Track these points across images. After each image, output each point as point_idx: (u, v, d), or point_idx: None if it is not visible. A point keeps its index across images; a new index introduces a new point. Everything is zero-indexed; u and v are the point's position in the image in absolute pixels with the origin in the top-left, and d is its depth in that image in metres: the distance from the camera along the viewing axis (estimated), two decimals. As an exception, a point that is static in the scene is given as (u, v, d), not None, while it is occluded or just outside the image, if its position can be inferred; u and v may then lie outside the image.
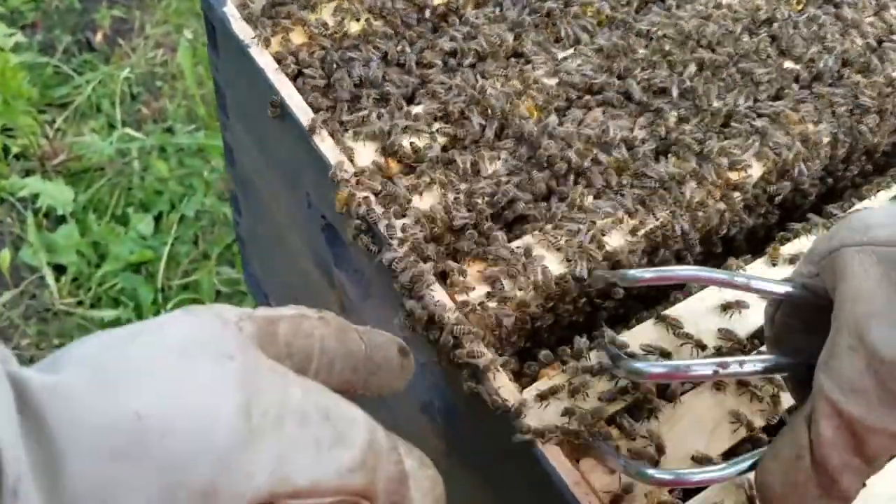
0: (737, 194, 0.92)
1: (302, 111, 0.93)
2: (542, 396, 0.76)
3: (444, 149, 0.94)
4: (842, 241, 0.56)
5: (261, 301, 1.46)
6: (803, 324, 0.64)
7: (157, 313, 1.96)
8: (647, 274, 0.71)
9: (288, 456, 0.47)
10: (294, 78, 0.97)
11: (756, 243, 0.99)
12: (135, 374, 0.45)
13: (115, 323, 1.93)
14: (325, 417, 0.50)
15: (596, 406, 0.74)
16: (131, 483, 0.42)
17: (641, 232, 0.87)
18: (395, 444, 0.54)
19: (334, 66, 0.99)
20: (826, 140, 0.98)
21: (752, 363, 0.66)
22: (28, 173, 2.17)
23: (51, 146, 2.22)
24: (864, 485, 0.53)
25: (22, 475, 0.38)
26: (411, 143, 0.92)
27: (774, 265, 0.89)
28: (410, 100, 1.00)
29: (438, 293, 0.81)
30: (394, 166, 0.91)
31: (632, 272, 0.70)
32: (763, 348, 0.77)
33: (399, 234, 0.83)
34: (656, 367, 0.66)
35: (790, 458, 0.54)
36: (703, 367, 0.65)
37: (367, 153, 0.91)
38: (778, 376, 0.75)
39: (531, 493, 0.77)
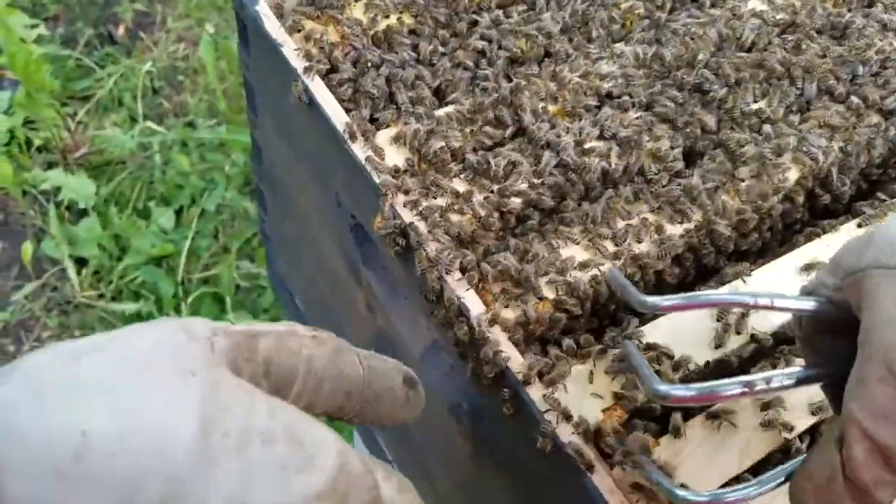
0: (774, 199, 0.91)
1: (335, 113, 0.93)
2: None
3: (475, 150, 0.94)
4: (869, 263, 0.55)
5: (285, 300, 1.46)
6: (831, 334, 0.63)
7: (177, 307, 1.97)
8: (665, 302, 0.67)
9: (249, 480, 0.44)
10: (325, 76, 0.97)
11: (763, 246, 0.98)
12: (83, 389, 0.43)
13: (137, 316, 1.94)
14: (293, 439, 0.47)
15: (640, 437, 0.73)
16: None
17: (678, 234, 0.87)
18: (370, 468, 0.51)
19: (367, 66, 0.98)
20: (864, 143, 0.97)
21: (780, 378, 0.64)
22: (50, 166, 2.18)
23: (73, 139, 2.24)
24: None
25: None
26: (445, 146, 0.91)
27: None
28: (441, 100, 1.00)
29: (468, 297, 0.81)
30: (426, 169, 0.91)
31: (651, 300, 0.67)
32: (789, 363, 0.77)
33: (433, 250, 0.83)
34: (682, 390, 0.63)
35: (823, 477, 0.54)
36: (730, 387, 0.63)
37: (398, 156, 0.91)
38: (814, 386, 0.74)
39: (559, 494, 0.77)
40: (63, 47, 2.43)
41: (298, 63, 0.96)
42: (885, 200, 0.97)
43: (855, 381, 0.52)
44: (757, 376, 0.63)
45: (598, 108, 1.00)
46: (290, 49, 0.97)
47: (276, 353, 0.52)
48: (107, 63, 2.42)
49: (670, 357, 0.79)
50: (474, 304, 0.80)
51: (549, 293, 0.81)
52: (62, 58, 2.41)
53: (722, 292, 0.69)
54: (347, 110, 0.94)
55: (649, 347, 0.79)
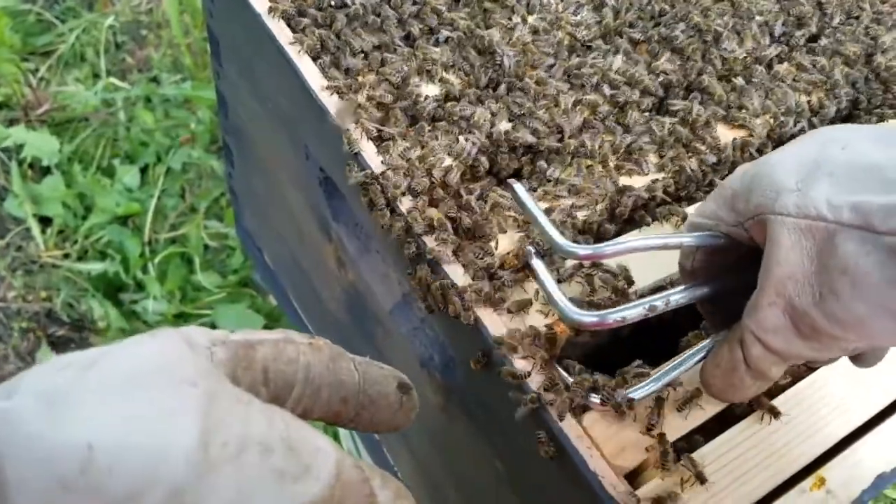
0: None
1: (301, 59, 0.91)
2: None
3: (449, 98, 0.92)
4: (759, 207, 0.63)
5: (254, 257, 1.44)
6: (717, 258, 0.72)
7: (144, 267, 1.94)
8: (582, 251, 0.71)
9: (247, 490, 0.45)
10: (291, 20, 0.94)
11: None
12: (89, 402, 0.44)
13: (103, 276, 1.91)
14: (290, 448, 0.48)
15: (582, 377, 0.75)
16: None
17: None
18: (367, 475, 0.52)
19: (333, 8, 0.96)
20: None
21: (678, 297, 0.70)
22: (12, 123, 2.12)
23: (34, 95, 2.18)
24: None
25: None
26: (419, 92, 0.89)
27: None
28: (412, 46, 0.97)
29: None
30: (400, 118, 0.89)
31: (568, 246, 0.71)
32: None
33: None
34: (589, 317, 0.68)
35: (729, 366, 0.67)
36: (633, 310, 0.68)
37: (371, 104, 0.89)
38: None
39: (528, 441, 0.77)
40: (23, 1, 2.35)
41: (261, 5, 0.93)
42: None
43: (752, 307, 0.64)
44: (656, 297, 0.69)
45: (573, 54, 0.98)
46: (254, -5, 0.94)
47: (274, 361, 0.53)
48: (68, 17, 2.35)
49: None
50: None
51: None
52: (22, 12, 2.33)
53: (635, 238, 0.73)
54: (315, 57, 0.92)
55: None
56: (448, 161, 0.85)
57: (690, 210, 0.88)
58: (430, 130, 0.87)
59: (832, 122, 1.01)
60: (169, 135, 2.12)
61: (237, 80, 1.11)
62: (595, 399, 0.73)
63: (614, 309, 0.68)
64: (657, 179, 0.90)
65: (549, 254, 0.81)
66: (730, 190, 0.67)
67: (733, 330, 0.67)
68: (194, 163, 2.07)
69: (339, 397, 0.56)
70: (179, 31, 2.24)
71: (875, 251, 0.57)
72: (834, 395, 0.79)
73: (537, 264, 0.76)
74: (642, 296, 0.80)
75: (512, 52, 0.95)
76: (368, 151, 0.85)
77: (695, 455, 0.73)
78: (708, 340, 0.72)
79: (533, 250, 0.79)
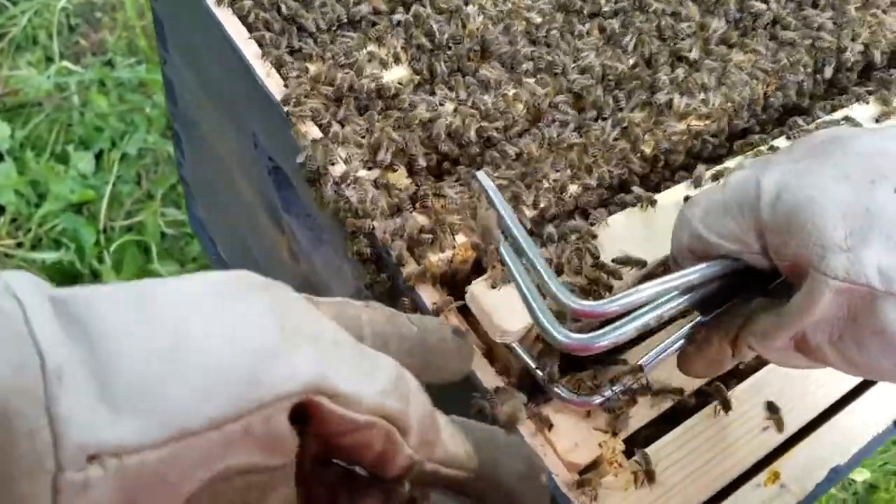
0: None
1: (247, 46, 0.88)
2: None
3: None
4: (800, 257, 0.58)
5: (207, 247, 1.40)
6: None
7: (99, 255, 1.89)
8: (577, 306, 0.62)
9: (328, 362, 0.45)
10: (235, 3, 0.90)
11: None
12: (172, 296, 0.44)
13: (57, 265, 1.86)
14: (357, 349, 0.49)
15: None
16: (176, 379, 0.41)
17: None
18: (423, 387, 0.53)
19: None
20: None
21: (672, 310, 0.65)
22: (-40, 108, 2.06)
23: (-16, 79, 2.12)
24: None
25: (64, 363, 0.37)
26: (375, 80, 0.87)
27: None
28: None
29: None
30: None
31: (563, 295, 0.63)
32: None
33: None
34: (571, 339, 0.62)
35: (715, 359, 0.67)
36: (624, 330, 0.63)
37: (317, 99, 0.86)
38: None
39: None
40: (-29, -19, 2.28)
41: (207, -7, 0.90)
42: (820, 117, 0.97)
43: (763, 335, 0.62)
44: (650, 314, 0.63)
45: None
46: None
47: (339, 317, 0.53)
48: (19, -1, 2.29)
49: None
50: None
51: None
52: (-29, -7, 2.26)
53: (641, 289, 0.64)
54: (261, 42, 0.89)
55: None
56: (391, 149, 0.83)
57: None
58: (379, 118, 0.85)
59: (783, 107, 1.00)
60: (124, 119, 2.07)
61: (183, 65, 1.07)
62: (565, 395, 0.71)
63: (603, 331, 0.62)
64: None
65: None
66: (757, 216, 0.61)
67: (724, 328, 0.66)
68: (150, 148, 2.03)
69: (405, 350, 0.57)
70: (134, 13, 2.19)
71: None
72: (787, 390, 0.78)
73: (506, 251, 0.67)
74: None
75: (467, 40, 0.92)
76: (314, 136, 0.82)
77: (649, 450, 0.72)
78: (687, 327, 0.69)
79: (501, 238, 0.70)
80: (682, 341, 0.70)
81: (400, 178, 0.82)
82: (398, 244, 0.76)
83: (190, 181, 1.35)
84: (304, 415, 0.45)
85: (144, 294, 0.43)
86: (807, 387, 0.79)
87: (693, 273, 0.64)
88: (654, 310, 0.63)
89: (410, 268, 0.76)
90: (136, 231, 1.94)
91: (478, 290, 0.73)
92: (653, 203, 0.82)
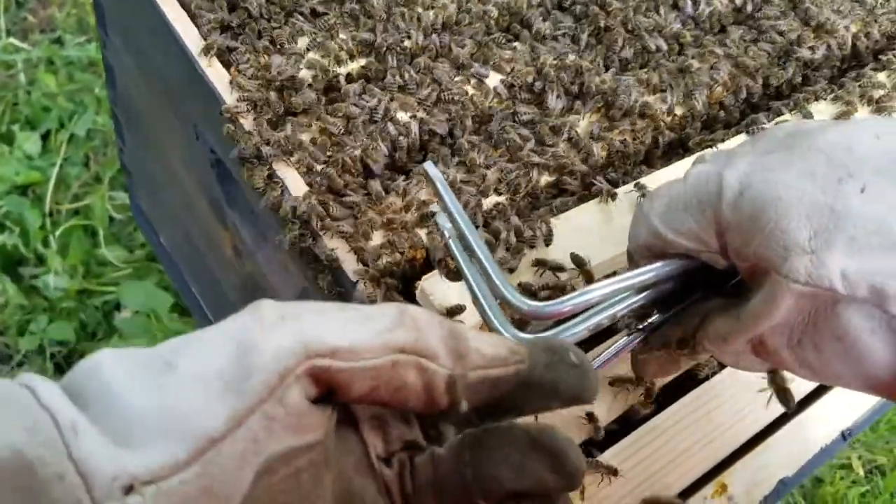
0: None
1: (188, 33, 0.84)
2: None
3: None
4: (762, 259, 0.56)
5: (150, 238, 1.36)
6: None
7: (45, 239, 1.83)
8: (526, 307, 0.59)
9: (313, 327, 0.45)
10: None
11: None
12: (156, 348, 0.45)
13: (1, 248, 1.80)
14: (343, 307, 0.48)
15: None
16: (179, 400, 0.41)
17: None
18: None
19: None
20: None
21: (624, 311, 0.62)
22: None
23: (-75, 55, 2.04)
24: None
25: (76, 418, 0.38)
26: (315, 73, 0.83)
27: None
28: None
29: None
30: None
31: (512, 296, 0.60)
32: None
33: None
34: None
35: (668, 362, 0.67)
36: (577, 329, 0.60)
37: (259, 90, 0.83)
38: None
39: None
40: (-88, -49, 2.19)
41: (148, -23, 0.86)
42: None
43: (719, 337, 0.60)
44: (602, 314, 0.61)
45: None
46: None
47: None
48: (-36, -29, 2.20)
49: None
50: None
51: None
52: (-88, -36, 2.17)
53: (594, 288, 0.61)
54: (202, 32, 0.85)
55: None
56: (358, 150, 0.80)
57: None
58: (325, 112, 0.82)
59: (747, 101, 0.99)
60: (73, 99, 2.00)
61: (124, 50, 1.03)
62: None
63: (554, 332, 0.59)
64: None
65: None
66: (718, 214, 0.58)
67: (680, 329, 0.64)
68: (99, 129, 1.97)
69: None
70: (84, -11, 2.12)
71: (881, 331, 0.53)
72: (734, 400, 0.77)
73: (455, 246, 0.64)
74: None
75: (420, 35, 0.89)
76: (252, 130, 0.79)
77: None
78: (642, 327, 0.66)
79: (451, 232, 0.66)
80: (636, 341, 0.67)
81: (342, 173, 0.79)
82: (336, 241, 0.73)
83: (131, 169, 1.31)
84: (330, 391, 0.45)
85: (129, 351, 0.44)
86: (755, 397, 0.78)
87: (648, 272, 0.62)
88: (608, 309, 0.61)
89: (354, 266, 0.73)
90: (83, 215, 1.88)
91: (428, 286, 0.71)
92: (613, 196, 0.80)
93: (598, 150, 0.87)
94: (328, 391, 0.45)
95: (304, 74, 0.83)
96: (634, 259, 0.66)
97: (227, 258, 1.01)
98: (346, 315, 0.46)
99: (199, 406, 0.41)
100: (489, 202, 0.81)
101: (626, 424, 0.75)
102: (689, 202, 0.60)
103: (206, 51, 0.82)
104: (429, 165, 0.67)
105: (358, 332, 0.45)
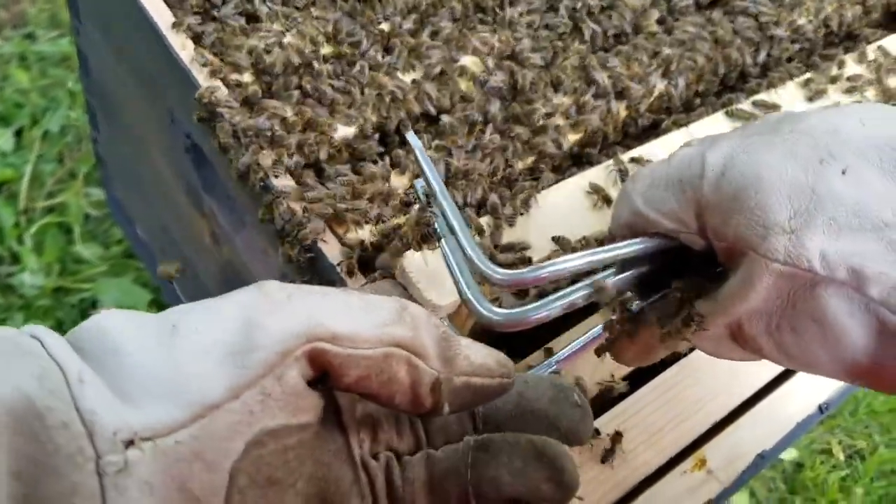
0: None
1: (161, 16, 0.83)
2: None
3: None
4: (740, 239, 0.56)
5: (126, 229, 1.35)
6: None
7: (19, 237, 1.81)
8: (498, 275, 0.59)
9: (319, 310, 0.46)
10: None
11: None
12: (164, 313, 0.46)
13: (-26, 247, 1.78)
14: (348, 293, 0.49)
15: None
16: (184, 364, 0.43)
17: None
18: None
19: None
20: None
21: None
22: None
23: None
24: None
25: (82, 370, 0.40)
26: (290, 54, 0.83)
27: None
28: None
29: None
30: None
31: (484, 265, 0.60)
32: None
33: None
34: (498, 315, 0.60)
35: (645, 348, 0.64)
36: (552, 306, 0.60)
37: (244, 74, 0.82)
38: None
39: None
40: None
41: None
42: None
43: (698, 317, 0.59)
44: (577, 292, 0.60)
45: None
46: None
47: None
48: (-67, -34, 2.17)
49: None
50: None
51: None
52: None
53: (564, 260, 0.60)
54: (175, 13, 0.84)
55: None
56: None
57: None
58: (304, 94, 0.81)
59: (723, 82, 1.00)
60: (46, 95, 1.98)
61: (97, 36, 1.02)
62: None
63: (532, 306, 0.59)
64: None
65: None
66: (698, 193, 0.58)
67: (657, 314, 0.63)
68: (73, 125, 1.95)
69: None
70: (56, -16, 2.10)
71: (860, 314, 0.53)
72: (711, 376, 0.78)
73: (433, 218, 0.64)
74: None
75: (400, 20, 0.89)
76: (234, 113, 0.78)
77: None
78: (619, 312, 0.65)
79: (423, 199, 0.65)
80: (615, 324, 0.66)
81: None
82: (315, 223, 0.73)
83: (106, 158, 1.29)
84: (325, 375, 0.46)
85: (137, 313, 0.46)
86: (733, 375, 0.78)
87: (623, 248, 0.61)
88: (584, 289, 0.61)
89: (331, 248, 0.73)
90: (58, 212, 1.86)
91: (407, 263, 0.71)
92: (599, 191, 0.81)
93: (571, 137, 0.87)
94: (322, 374, 0.46)
95: (281, 57, 0.83)
96: (615, 239, 0.66)
97: (206, 246, 1.01)
98: (349, 302, 0.48)
99: (202, 372, 0.42)
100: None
101: (602, 402, 0.75)
102: (672, 182, 0.61)
103: (177, 27, 0.81)
104: (410, 135, 0.68)
105: (358, 320, 0.47)
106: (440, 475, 0.51)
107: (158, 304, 1.71)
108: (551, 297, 0.60)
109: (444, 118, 0.84)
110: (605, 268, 0.63)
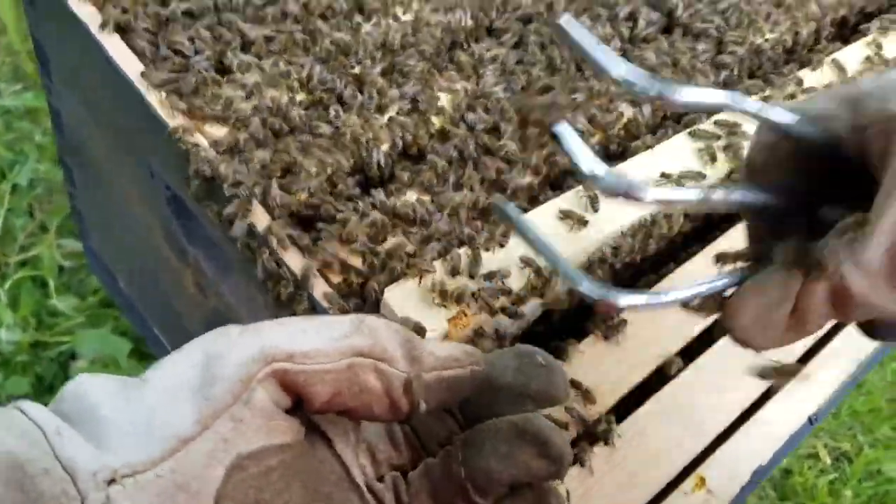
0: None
1: (135, 71, 0.83)
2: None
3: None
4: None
5: (106, 281, 1.34)
6: (793, 165, 0.57)
7: (-7, 294, 1.79)
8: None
9: (273, 334, 0.47)
10: (124, 31, 0.86)
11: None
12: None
13: (-54, 307, 1.75)
14: (304, 318, 0.50)
15: None
16: (152, 407, 0.44)
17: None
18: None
19: (169, 18, 0.88)
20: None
21: (726, 196, 0.54)
22: None
23: None
24: None
25: (59, 426, 0.42)
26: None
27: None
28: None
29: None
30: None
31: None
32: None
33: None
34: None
35: (774, 301, 0.52)
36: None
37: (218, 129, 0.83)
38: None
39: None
40: None
41: (91, 19, 0.85)
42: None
43: (852, 239, 0.48)
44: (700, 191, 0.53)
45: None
46: (79, 2, 0.86)
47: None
48: None
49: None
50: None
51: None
52: None
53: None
54: (150, 70, 0.84)
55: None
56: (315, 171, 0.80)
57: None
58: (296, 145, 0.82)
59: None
60: (12, 149, 1.96)
61: (69, 93, 1.02)
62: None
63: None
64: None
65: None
66: (856, 89, 0.53)
67: (790, 258, 0.52)
68: (42, 177, 1.93)
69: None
70: (17, 37, 2.09)
71: None
72: (703, 394, 0.79)
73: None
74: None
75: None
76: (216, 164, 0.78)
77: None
78: (734, 268, 0.58)
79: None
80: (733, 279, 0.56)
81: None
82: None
83: (84, 212, 1.29)
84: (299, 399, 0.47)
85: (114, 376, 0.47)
86: (723, 393, 0.79)
87: (721, 280, 0.55)
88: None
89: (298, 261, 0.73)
90: (32, 265, 1.84)
91: (392, 298, 0.71)
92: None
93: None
94: (298, 400, 0.47)
95: (259, 107, 0.83)
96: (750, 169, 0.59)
97: (191, 295, 1.00)
98: (304, 325, 0.48)
99: (171, 411, 0.44)
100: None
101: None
102: (830, 92, 0.56)
103: (148, 78, 0.82)
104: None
105: (314, 338, 0.47)
106: (438, 480, 0.52)
107: (140, 354, 1.69)
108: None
109: (431, 157, 0.85)
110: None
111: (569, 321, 0.81)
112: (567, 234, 0.82)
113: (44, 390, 1.74)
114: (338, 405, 0.48)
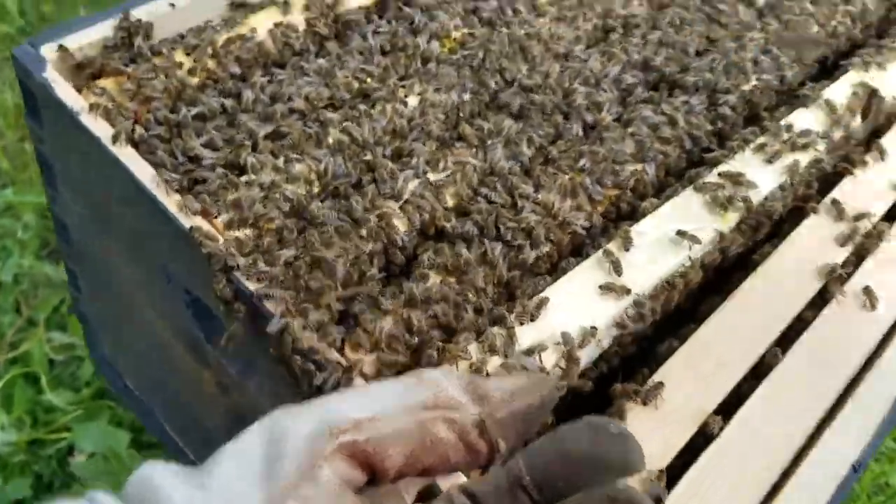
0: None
1: (151, 181, 0.83)
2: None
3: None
4: None
5: (115, 383, 1.31)
6: None
7: (-16, 397, 1.75)
8: None
9: (338, 403, 0.47)
10: (137, 144, 0.86)
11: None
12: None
13: (-65, 413, 1.70)
14: (363, 385, 0.54)
15: None
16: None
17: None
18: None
19: (186, 119, 0.89)
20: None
21: None
22: None
23: None
24: None
25: None
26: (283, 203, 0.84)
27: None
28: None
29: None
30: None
31: None
32: None
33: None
34: None
35: None
36: None
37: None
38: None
39: None
40: None
41: (103, 131, 0.85)
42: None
43: None
44: None
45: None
46: (90, 118, 0.85)
47: None
48: None
49: None
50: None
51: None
52: None
53: None
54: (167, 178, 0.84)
55: None
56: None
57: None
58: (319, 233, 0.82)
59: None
60: (-6, 246, 1.94)
61: (76, 203, 1.01)
62: None
63: None
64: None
65: None
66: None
67: None
68: (27, 272, 1.90)
69: None
70: (-8, 136, 2.07)
71: None
72: (747, 453, 0.79)
73: None
74: None
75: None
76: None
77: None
78: None
79: None
80: None
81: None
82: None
83: (90, 317, 1.27)
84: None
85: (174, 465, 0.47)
86: (764, 447, 0.80)
87: None
88: None
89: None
90: (22, 362, 1.80)
91: None
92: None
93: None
94: (372, 474, 0.46)
95: (277, 203, 0.83)
96: None
97: (211, 394, 0.99)
98: (365, 390, 0.50)
99: (240, 493, 0.43)
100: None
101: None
102: None
103: (163, 183, 0.82)
104: None
105: (377, 401, 0.47)
106: None
107: (138, 444, 1.66)
108: None
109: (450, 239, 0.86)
110: None
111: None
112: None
113: (42, 488, 1.69)
114: (414, 466, 0.47)
